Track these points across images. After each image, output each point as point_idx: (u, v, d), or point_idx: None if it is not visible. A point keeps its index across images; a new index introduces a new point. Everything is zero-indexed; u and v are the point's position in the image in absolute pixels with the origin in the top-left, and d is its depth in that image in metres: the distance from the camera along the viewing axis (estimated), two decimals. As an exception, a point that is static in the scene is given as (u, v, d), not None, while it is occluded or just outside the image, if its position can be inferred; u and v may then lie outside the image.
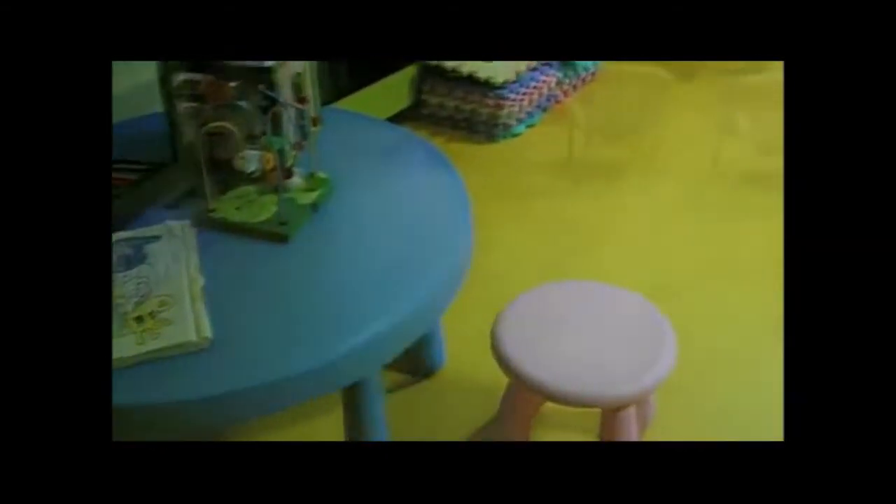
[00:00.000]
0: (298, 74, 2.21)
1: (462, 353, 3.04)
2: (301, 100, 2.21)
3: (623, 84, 4.11)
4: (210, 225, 2.15)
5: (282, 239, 2.10)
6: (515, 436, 2.49)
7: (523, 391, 2.40)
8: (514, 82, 4.57)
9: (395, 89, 4.77)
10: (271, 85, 2.12)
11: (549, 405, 2.61)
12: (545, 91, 4.80)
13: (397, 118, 4.87)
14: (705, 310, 3.24)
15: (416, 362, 2.96)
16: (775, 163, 4.56)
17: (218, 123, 2.13)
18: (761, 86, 4.05)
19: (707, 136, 4.83)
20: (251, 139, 2.19)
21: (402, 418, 2.79)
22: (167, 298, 1.88)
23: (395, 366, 2.96)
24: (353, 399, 2.36)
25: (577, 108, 4.39)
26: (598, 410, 2.52)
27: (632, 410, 2.33)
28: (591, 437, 2.67)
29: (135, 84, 3.21)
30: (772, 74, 4.75)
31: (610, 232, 3.90)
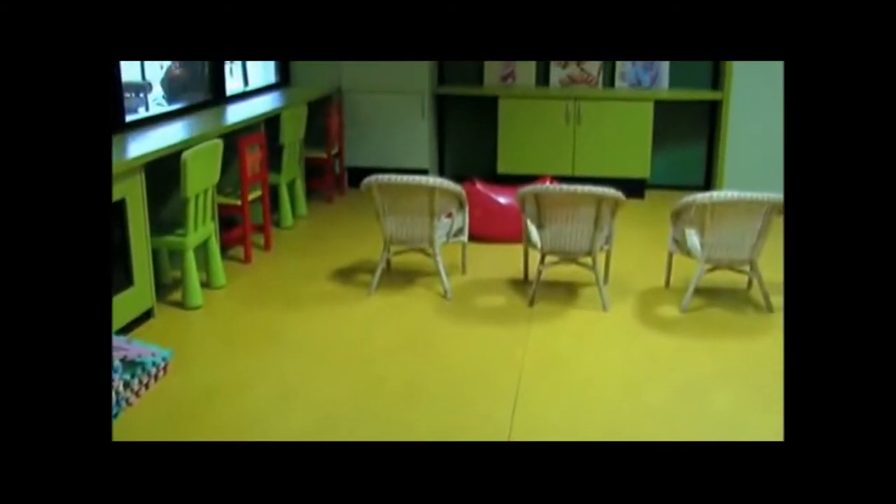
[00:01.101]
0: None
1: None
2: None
3: (578, 203, 4.22)
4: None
5: None
6: None
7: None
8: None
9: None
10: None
11: None
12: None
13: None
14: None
15: None
16: (726, 278, 4.67)
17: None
18: (708, 203, 4.18)
19: (659, 252, 4.95)
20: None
21: None
22: None
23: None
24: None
25: (532, 229, 4.49)
26: None
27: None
28: None
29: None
30: (719, 190, 4.90)
31: (567, 353, 3.94)
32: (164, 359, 3.55)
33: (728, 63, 6.45)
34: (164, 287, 4.61)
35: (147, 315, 4.20)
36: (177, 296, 4.50)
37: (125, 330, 3.95)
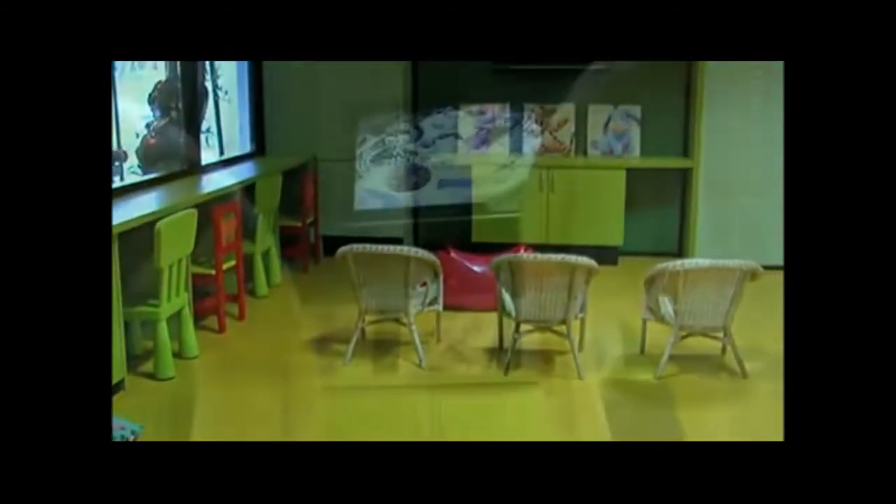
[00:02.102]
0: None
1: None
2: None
3: (552, 272, 4.24)
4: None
5: None
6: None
7: None
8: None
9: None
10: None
11: None
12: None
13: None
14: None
15: None
16: (700, 344, 4.69)
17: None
18: (681, 270, 4.23)
19: (633, 319, 4.96)
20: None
21: None
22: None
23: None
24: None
25: (507, 297, 4.49)
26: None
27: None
28: None
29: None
30: (691, 258, 4.97)
31: (542, 422, 3.91)
32: (133, 433, 3.49)
33: (697, 131, 6.58)
34: (136, 358, 4.56)
35: (117, 387, 4.13)
36: (148, 366, 4.44)
37: (95, 403, 3.89)
